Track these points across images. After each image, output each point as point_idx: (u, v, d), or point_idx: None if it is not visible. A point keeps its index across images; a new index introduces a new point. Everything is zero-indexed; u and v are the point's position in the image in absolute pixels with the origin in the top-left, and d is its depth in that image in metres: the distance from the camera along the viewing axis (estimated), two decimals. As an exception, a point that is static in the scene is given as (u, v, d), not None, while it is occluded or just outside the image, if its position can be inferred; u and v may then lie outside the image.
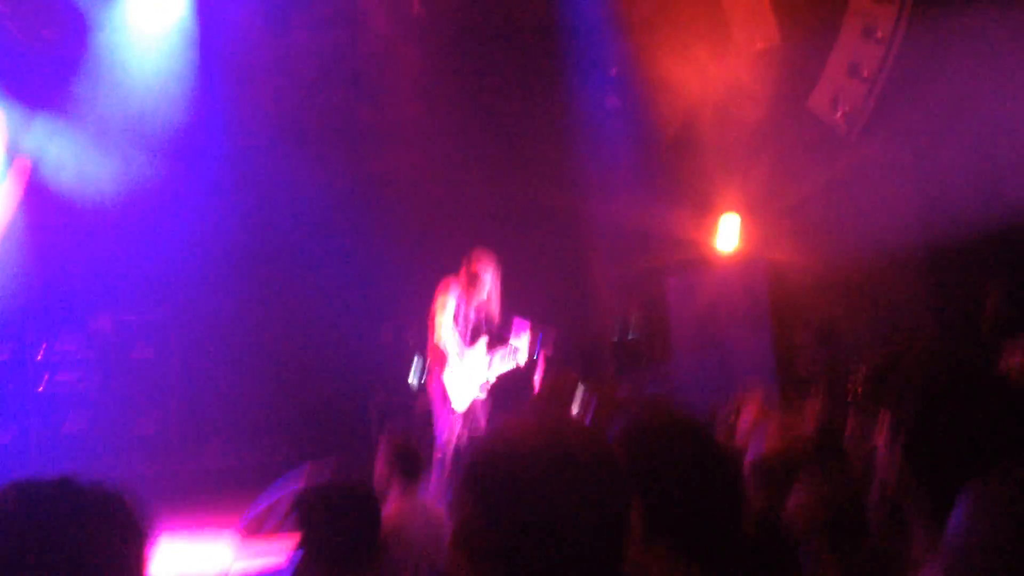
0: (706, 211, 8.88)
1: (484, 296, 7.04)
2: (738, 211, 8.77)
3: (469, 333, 7.11)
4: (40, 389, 8.28)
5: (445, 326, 6.91)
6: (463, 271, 7.04)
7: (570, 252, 10.19)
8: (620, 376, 9.25)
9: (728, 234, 8.86)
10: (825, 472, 3.05)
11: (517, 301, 7.82)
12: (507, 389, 7.37)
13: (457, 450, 6.98)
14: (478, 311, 7.09)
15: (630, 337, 9.74)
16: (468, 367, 7.02)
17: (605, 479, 1.29)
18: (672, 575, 1.75)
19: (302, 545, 2.80)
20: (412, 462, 4.53)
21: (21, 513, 1.07)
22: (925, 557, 2.07)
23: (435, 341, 6.94)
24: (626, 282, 9.64)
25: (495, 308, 7.12)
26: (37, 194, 8.37)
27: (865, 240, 7.87)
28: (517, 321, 7.13)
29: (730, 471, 1.93)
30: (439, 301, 6.97)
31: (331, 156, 9.65)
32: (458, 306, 6.98)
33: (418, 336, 7.24)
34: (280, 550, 5.23)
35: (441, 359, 6.95)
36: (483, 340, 7.12)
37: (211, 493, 8.11)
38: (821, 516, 3.12)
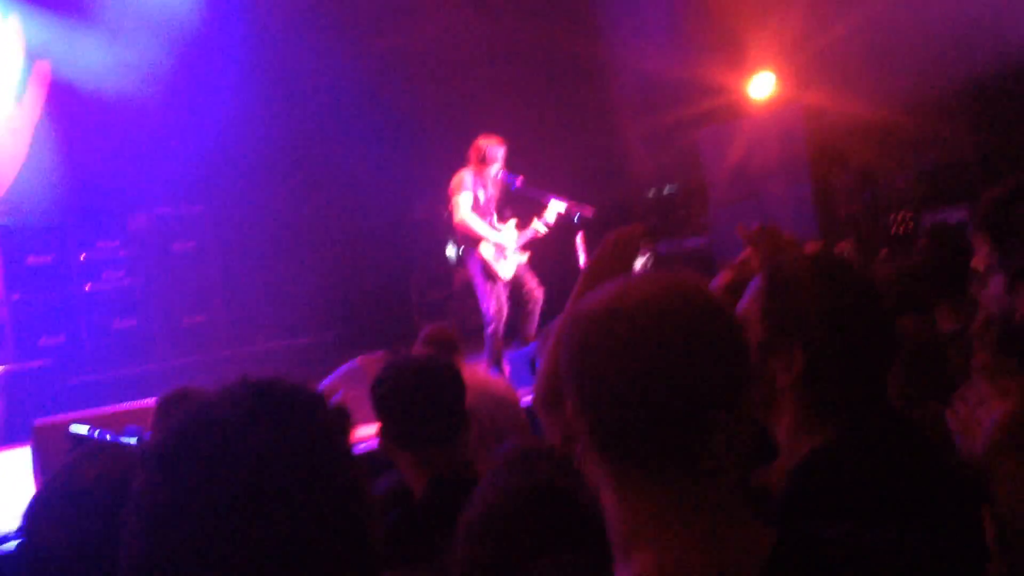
0: (739, 58, 8.66)
1: (497, 173, 7.02)
2: (771, 56, 8.55)
3: (494, 208, 7.11)
4: (87, 289, 8.37)
5: (463, 206, 6.90)
6: (470, 158, 7.00)
7: (600, 106, 10.03)
8: (658, 231, 9.23)
9: (762, 82, 8.66)
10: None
11: (546, 165, 7.76)
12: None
13: (507, 319, 7.08)
14: (495, 191, 7.09)
15: (666, 192, 9.66)
16: (501, 238, 7.04)
17: (723, 331, 1.22)
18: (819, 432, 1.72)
19: (386, 430, 2.68)
20: (449, 346, 4.52)
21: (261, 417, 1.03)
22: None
23: (456, 221, 6.95)
24: (659, 135, 9.50)
25: (506, 183, 7.11)
26: (62, 97, 8.29)
27: (902, 79, 7.68)
28: (553, 200, 7.08)
29: (886, 305, 1.83)
30: (454, 183, 6.96)
31: (350, 35, 9.44)
32: (475, 188, 6.97)
33: (448, 214, 7.24)
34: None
35: (471, 236, 6.97)
36: (512, 227, 7.12)
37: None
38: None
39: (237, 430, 1.01)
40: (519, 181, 7.07)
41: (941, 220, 7.29)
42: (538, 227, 7.09)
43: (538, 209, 7.12)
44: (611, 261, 2.24)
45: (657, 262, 6.50)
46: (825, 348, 1.71)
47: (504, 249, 7.06)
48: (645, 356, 1.19)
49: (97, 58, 8.16)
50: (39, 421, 5.61)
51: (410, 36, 9.74)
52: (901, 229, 7.58)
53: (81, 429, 5.74)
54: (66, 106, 8.26)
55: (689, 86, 8.95)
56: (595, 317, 1.25)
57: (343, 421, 1.10)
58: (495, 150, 7.02)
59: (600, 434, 1.22)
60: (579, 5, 9.62)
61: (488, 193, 7.09)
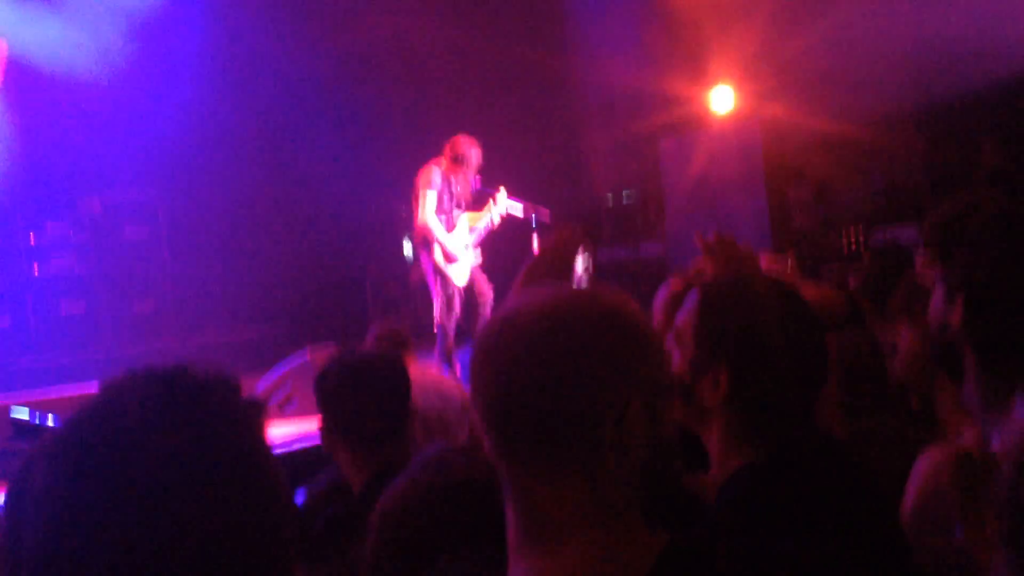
0: (700, 71, 8.73)
1: (469, 176, 7.00)
2: (732, 70, 8.64)
3: (458, 208, 7.10)
4: (35, 274, 8.25)
5: (428, 208, 6.88)
6: (445, 153, 6.98)
7: (561, 117, 10.06)
8: (616, 241, 9.29)
9: (722, 94, 8.75)
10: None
11: (507, 169, 7.77)
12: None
13: (458, 322, 7.07)
14: (463, 191, 7.07)
15: (625, 202, 9.72)
16: (456, 241, 7.03)
17: (622, 344, 1.22)
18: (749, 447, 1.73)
19: (328, 424, 2.66)
20: (400, 343, 4.51)
21: (154, 406, 0.99)
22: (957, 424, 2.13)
23: (418, 222, 6.93)
24: (619, 146, 9.55)
25: (476, 186, 7.10)
26: (18, 78, 8.15)
27: (859, 97, 7.80)
28: (511, 201, 7.09)
29: (819, 327, 1.82)
30: (421, 181, 6.94)
31: (312, 28, 9.38)
32: (442, 187, 6.94)
33: (408, 211, 7.21)
34: (290, 431, 5.31)
35: (428, 238, 6.96)
36: (466, 215, 7.10)
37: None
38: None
39: (137, 419, 0.97)
40: (478, 182, 7.07)
41: (890, 238, 7.40)
42: (492, 216, 7.07)
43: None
44: (549, 263, 2.24)
45: (596, 266, 6.52)
46: (751, 369, 1.71)
47: (458, 254, 7.06)
48: (538, 366, 1.20)
49: (56, 38, 8.04)
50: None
51: (374, 33, 9.71)
52: (852, 245, 7.70)
53: (22, 413, 5.66)
54: (21, 85, 8.12)
55: (651, 97, 9.01)
56: (499, 325, 1.26)
57: (255, 413, 1.06)
58: (472, 151, 7.00)
59: (497, 439, 1.23)
60: (543, 13, 9.65)
61: (455, 192, 7.06)
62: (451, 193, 7.04)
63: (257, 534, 1.00)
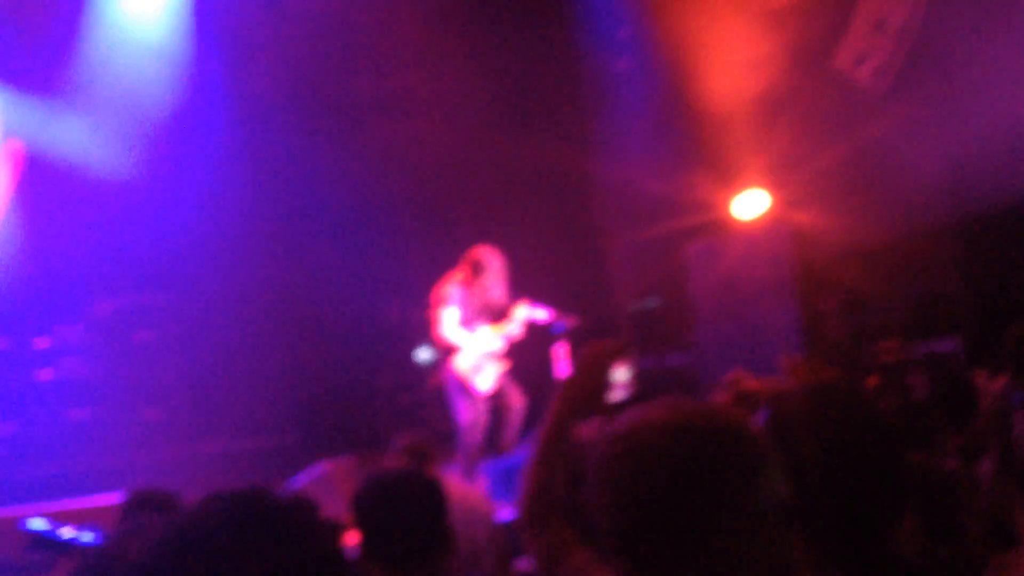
0: (727, 175, 8.64)
1: (489, 286, 6.88)
2: (761, 175, 8.55)
3: (475, 322, 6.95)
4: (43, 378, 8.11)
5: (447, 324, 6.75)
6: (463, 265, 6.89)
7: (584, 219, 9.99)
8: (640, 348, 9.07)
9: (751, 200, 8.63)
10: None
11: (529, 274, 7.63)
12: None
13: (483, 433, 6.87)
14: (483, 300, 6.93)
15: (648, 306, 9.54)
16: (479, 350, 6.86)
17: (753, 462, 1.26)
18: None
19: (364, 543, 2.59)
20: (425, 457, 4.35)
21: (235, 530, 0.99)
22: None
23: (438, 333, 6.76)
24: (644, 252, 9.43)
25: (501, 296, 6.96)
26: (33, 178, 8.17)
27: (893, 205, 7.68)
28: (539, 309, 6.97)
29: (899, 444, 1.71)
30: (439, 294, 6.83)
31: (332, 129, 9.41)
32: (461, 299, 6.82)
33: (425, 315, 7.10)
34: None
35: (449, 348, 6.82)
36: (487, 327, 6.95)
37: (221, 480, 7.90)
38: None
39: (229, 549, 0.97)
40: (502, 291, 6.95)
41: (932, 351, 7.18)
42: (514, 326, 6.92)
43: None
44: (585, 377, 2.23)
45: (641, 377, 6.28)
46: (824, 490, 1.59)
47: (481, 362, 6.88)
48: (668, 481, 1.23)
49: (70, 139, 8.10)
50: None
51: (393, 135, 9.72)
52: (890, 358, 7.45)
53: (38, 524, 5.43)
54: (35, 185, 8.13)
55: (677, 201, 8.91)
56: (621, 444, 1.30)
57: (335, 532, 1.08)
58: (490, 261, 6.90)
59: (627, 561, 1.26)
60: (567, 117, 9.65)
61: (475, 305, 6.93)
62: (471, 304, 6.92)
63: None
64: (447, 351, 6.88)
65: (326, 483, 5.98)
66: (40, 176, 8.14)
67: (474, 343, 6.85)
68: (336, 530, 1.02)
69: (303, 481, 6.26)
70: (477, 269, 6.89)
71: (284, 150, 9.11)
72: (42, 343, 8.22)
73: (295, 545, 1.00)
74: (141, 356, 8.70)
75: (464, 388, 6.87)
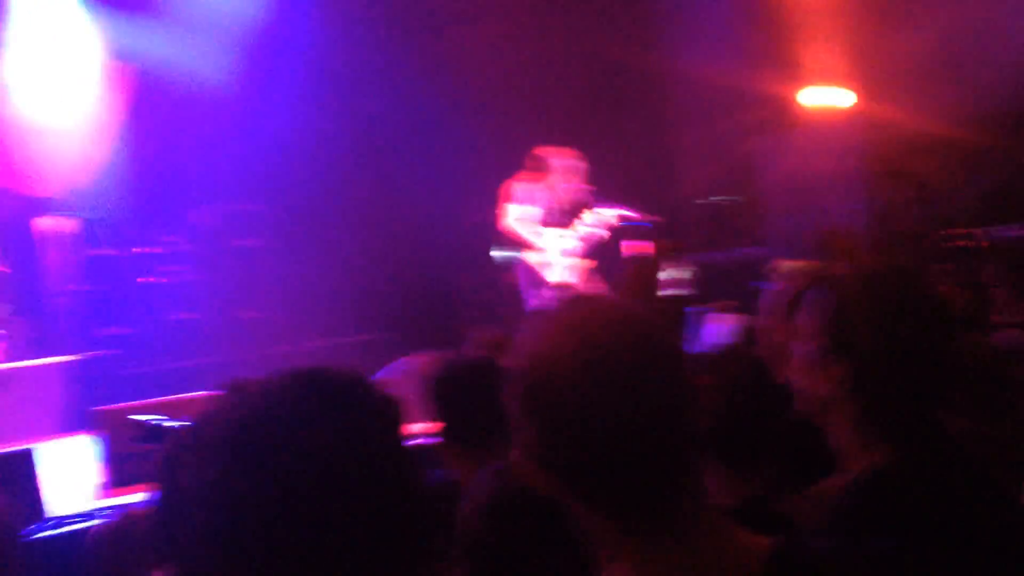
0: (797, 68, 8.58)
1: (559, 186, 6.99)
2: (832, 67, 8.47)
3: (546, 219, 7.10)
4: (150, 283, 8.57)
5: (510, 213, 6.94)
6: (527, 163, 7.01)
7: (653, 118, 10.01)
8: (709, 243, 9.19)
9: (822, 92, 8.58)
10: None
11: (600, 172, 7.79)
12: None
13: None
14: (554, 200, 7.06)
15: (718, 201, 9.61)
16: (547, 246, 7.03)
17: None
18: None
19: (442, 426, 2.76)
20: (499, 350, 4.56)
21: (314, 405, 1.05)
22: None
23: (501, 227, 7.00)
24: (714, 144, 9.44)
25: (577, 196, 7.07)
26: (133, 94, 8.49)
27: (965, 95, 7.57)
28: (619, 209, 7.08)
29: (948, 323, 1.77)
30: (502, 191, 7.01)
31: (412, 36, 9.56)
32: (527, 194, 6.98)
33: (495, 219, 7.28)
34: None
35: (520, 243, 6.98)
36: (556, 227, 7.08)
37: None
38: None
39: (285, 416, 1.02)
40: (579, 190, 7.05)
41: (1003, 237, 7.17)
42: (584, 230, 7.06)
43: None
44: (634, 275, 2.28)
45: (702, 271, 6.47)
46: (875, 362, 1.68)
47: (555, 256, 7.07)
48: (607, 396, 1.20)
49: (165, 55, 8.35)
50: (99, 409, 5.79)
51: (471, 40, 9.82)
52: (961, 244, 7.46)
53: (146, 416, 5.90)
54: (137, 102, 8.46)
55: (744, 95, 8.89)
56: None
57: (395, 410, 1.11)
58: (557, 161, 7.01)
59: (570, 475, 1.23)
60: (636, 14, 9.61)
61: (544, 203, 7.08)
62: (539, 201, 7.07)
63: (403, 529, 1.04)
64: (519, 246, 7.09)
65: (408, 376, 6.28)
66: (143, 92, 8.44)
67: (541, 239, 7.05)
68: (397, 406, 1.11)
69: (386, 374, 6.58)
70: (541, 167, 7.02)
71: (364, 60, 9.29)
72: (148, 251, 8.62)
73: (352, 420, 1.05)
74: (240, 261, 9.08)
75: (534, 280, 7.09)
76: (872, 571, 1.26)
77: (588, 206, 7.12)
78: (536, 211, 7.05)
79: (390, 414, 1.10)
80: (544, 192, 7.06)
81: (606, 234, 7.11)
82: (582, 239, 7.11)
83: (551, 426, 1.23)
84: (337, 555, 0.99)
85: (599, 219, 7.08)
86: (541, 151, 7.06)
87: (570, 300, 1.32)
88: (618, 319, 1.26)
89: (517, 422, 1.30)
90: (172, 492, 1.11)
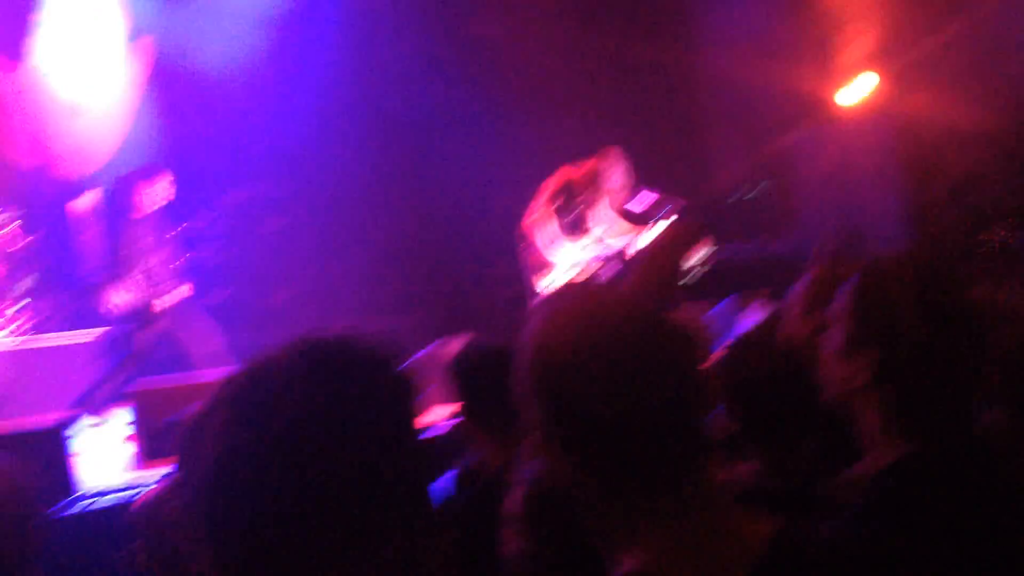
0: (832, 64, 8.50)
1: (602, 194, 6.90)
2: (866, 62, 8.38)
3: (573, 225, 7.02)
4: (180, 263, 8.63)
5: (544, 215, 6.89)
6: (585, 166, 6.91)
7: (687, 110, 9.96)
8: (743, 238, 9.12)
9: (858, 85, 8.48)
10: None
11: (634, 164, 7.74)
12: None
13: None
14: (588, 207, 6.97)
15: (752, 195, 9.54)
16: (565, 250, 7.01)
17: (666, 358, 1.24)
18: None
19: (465, 409, 2.76)
20: None
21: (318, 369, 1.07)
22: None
23: (526, 223, 6.96)
24: (748, 141, 9.38)
25: (612, 207, 6.94)
26: (162, 74, 8.55)
27: (1003, 90, 7.47)
28: (644, 193, 7.00)
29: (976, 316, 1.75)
30: (546, 189, 6.92)
31: (444, 23, 9.55)
32: (568, 197, 6.90)
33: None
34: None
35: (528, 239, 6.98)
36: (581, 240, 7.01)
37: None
38: None
39: (287, 378, 1.05)
40: (626, 197, 6.96)
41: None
42: (598, 246, 6.98)
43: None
44: (665, 253, 2.31)
45: (717, 260, 6.39)
46: (907, 354, 1.68)
47: (557, 260, 7.02)
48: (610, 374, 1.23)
49: (197, 37, 8.40)
50: (137, 384, 5.88)
51: (504, 29, 9.80)
52: (1003, 240, 7.36)
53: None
54: (165, 81, 8.52)
55: (780, 89, 8.82)
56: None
57: (406, 388, 1.11)
58: (609, 173, 6.88)
59: (580, 449, 1.25)
60: (671, 10, 9.56)
61: (574, 207, 6.98)
62: (565, 219, 6.99)
63: (396, 500, 1.05)
64: (531, 240, 7.05)
65: (437, 360, 6.30)
66: (168, 71, 8.51)
67: (555, 251, 6.99)
68: (410, 385, 1.11)
69: (416, 358, 6.60)
70: (593, 175, 6.84)
71: (399, 44, 9.31)
72: (179, 231, 8.68)
73: (351, 387, 1.06)
74: (270, 242, 9.14)
75: (539, 266, 7.07)
76: (870, 558, 1.25)
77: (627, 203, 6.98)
78: (566, 217, 6.95)
79: (400, 391, 1.10)
80: (578, 197, 6.94)
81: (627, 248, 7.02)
82: (600, 255, 7.02)
83: (556, 411, 1.27)
84: (330, 526, 1.01)
85: (642, 202, 6.94)
86: (607, 154, 6.91)
87: (575, 287, 1.37)
88: (622, 304, 1.29)
89: (526, 407, 1.33)
90: (199, 432, 1.16)
